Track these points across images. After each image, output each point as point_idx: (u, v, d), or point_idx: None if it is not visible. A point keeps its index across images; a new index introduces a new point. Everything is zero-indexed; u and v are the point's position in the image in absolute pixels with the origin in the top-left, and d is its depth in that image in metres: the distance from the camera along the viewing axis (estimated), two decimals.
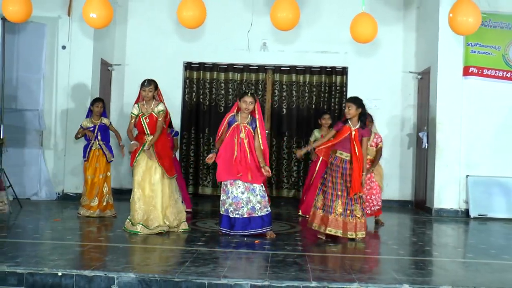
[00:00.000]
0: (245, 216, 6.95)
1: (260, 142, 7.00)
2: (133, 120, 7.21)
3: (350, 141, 6.86)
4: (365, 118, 6.95)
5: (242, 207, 6.95)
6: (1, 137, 9.12)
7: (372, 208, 8.39)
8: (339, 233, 6.87)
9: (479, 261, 6.07)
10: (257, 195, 6.97)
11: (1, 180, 8.57)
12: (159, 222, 7.04)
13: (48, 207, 9.27)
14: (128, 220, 7.19)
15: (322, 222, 6.96)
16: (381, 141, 8.42)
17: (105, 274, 4.93)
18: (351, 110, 6.87)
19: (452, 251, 6.90)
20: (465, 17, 6.89)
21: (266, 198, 7.06)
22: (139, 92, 7.21)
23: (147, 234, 6.90)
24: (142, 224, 6.99)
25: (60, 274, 4.94)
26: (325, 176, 7.05)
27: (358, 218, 6.89)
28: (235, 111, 7.10)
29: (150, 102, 7.18)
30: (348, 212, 6.87)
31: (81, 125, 8.43)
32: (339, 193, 6.88)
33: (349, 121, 6.91)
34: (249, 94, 7.01)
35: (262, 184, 7.05)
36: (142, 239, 6.66)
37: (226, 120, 7.09)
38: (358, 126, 6.89)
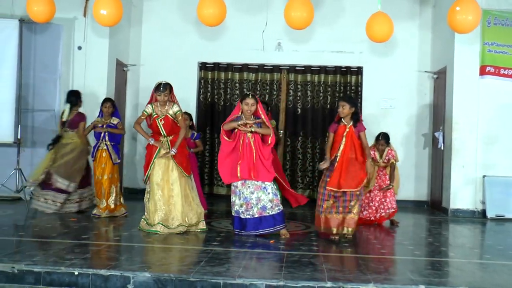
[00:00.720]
0: (256, 216, 6.97)
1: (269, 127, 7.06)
2: (144, 117, 7.28)
3: (342, 138, 6.96)
4: (357, 117, 7.04)
5: (253, 207, 6.97)
6: (19, 138, 9.21)
7: (387, 211, 8.40)
8: (323, 230, 6.93)
9: (496, 262, 6.03)
10: (269, 193, 6.97)
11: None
12: (179, 221, 7.08)
13: None
14: (143, 219, 7.22)
15: (317, 222, 7.03)
16: (393, 157, 8.46)
17: (121, 274, 4.96)
18: (345, 109, 6.97)
19: (469, 252, 6.85)
20: (465, 15, 6.88)
21: (279, 196, 7.06)
22: (152, 93, 7.24)
23: (167, 234, 6.93)
24: (162, 224, 7.01)
25: (76, 273, 4.98)
26: (324, 178, 7.05)
27: (347, 214, 6.87)
28: (239, 112, 7.12)
29: (164, 104, 7.22)
30: (335, 209, 6.87)
31: (92, 123, 8.54)
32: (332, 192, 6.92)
33: (342, 119, 7.00)
34: (250, 96, 7.01)
35: (273, 182, 7.05)
36: (157, 239, 6.68)
37: (231, 119, 7.10)
38: (351, 123, 6.98)
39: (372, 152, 8.40)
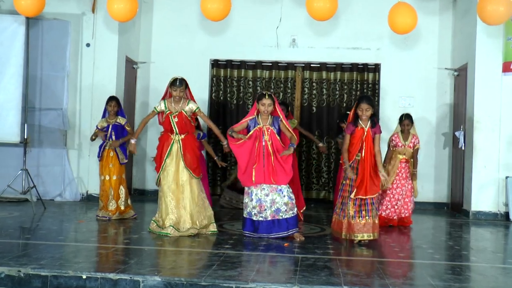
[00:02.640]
0: (269, 218, 6.96)
1: (292, 133, 7.06)
2: (153, 115, 7.30)
3: (361, 141, 6.89)
4: (375, 118, 7.00)
5: (266, 209, 6.96)
6: (25, 137, 9.25)
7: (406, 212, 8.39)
8: (344, 236, 6.89)
9: None
10: (284, 196, 6.97)
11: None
12: (190, 224, 7.07)
13: (72, 208, 9.36)
14: (153, 221, 7.23)
15: (338, 227, 7.01)
16: (418, 142, 8.51)
17: (130, 278, 4.96)
18: (369, 111, 6.88)
19: (491, 256, 6.79)
20: (496, 5, 6.80)
21: (294, 200, 7.05)
22: (167, 89, 7.22)
23: (177, 237, 6.94)
24: (173, 227, 7.01)
25: (84, 277, 4.99)
26: (344, 181, 7.02)
27: (367, 218, 6.84)
28: (255, 113, 7.10)
29: (179, 101, 7.19)
30: (358, 213, 6.84)
31: (96, 126, 8.47)
32: (351, 195, 6.88)
33: (360, 121, 6.91)
34: (266, 96, 6.98)
35: (288, 185, 7.04)
36: (167, 242, 6.69)
37: (246, 121, 7.09)
38: (369, 125, 6.91)
39: (394, 137, 8.44)
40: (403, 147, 8.40)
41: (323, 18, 7.31)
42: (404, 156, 8.40)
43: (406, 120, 8.45)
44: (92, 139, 8.56)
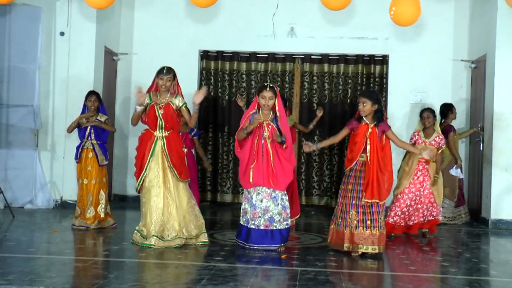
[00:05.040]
0: (261, 228, 6.97)
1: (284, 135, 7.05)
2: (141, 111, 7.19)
3: (365, 139, 6.92)
4: (381, 115, 6.97)
5: (259, 217, 6.97)
6: None
7: (425, 218, 8.36)
8: (346, 248, 6.87)
9: None
10: (278, 204, 6.98)
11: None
12: (176, 232, 7.03)
13: (44, 216, 9.35)
14: (136, 231, 7.19)
15: (338, 238, 6.97)
16: (443, 143, 8.49)
17: None
18: (366, 106, 6.88)
19: None
20: None
21: (288, 209, 7.04)
22: (154, 81, 7.19)
23: (162, 247, 6.91)
24: (157, 236, 6.97)
25: None
26: (343, 186, 7.02)
27: (372, 229, 6.81)
28: (256, 108, 7.11)
29: (165, 93, 7.15)
30: (362, 223, 6.82)
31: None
32: (354, 201, 6.87)
33: (364, 118, 6.93)
34: (267, 88, 6.99)
35: (285, 193, 7.04)
36: (152, 254, 6.67)
37: (246, 117, 7.09)
38: (374, 123, 6.93)
39: (414, 135, 8.48)
40: (423, 144, 8.36)
41: (338, 7, 7.33)
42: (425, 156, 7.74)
43: (426, 112, 8.45)
44: (70, 131, 8.46)
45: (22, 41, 10.09)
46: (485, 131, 10.02)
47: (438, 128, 8.56)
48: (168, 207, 7.09)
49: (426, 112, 8.47)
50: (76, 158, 8.35)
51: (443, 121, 9.70)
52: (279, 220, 6.97)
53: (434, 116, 8.49)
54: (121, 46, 11.42)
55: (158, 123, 7.12)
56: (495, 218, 9.63)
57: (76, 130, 8.44)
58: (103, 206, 8.29)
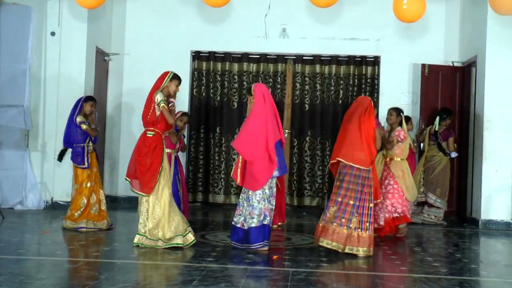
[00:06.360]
0: (238, 226, 7.06)
1: None
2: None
3: None
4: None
5: (240, 214, 7.07)
6: None
7: (390, 215, 8.36)
8: (338, 248, 6.88)
9: None
10: (250, 205, 7.01)
11: None
12: (161, 233, 7.00)
13: (35, 217, 9.32)
14: (142, 236, 7.05)
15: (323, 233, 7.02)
16: (398, 136, 8.43)
17: None
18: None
19: (503, 270, 6.84)
20: None
21: (257, 209, 6.95)
22: (164, 81, 7.08)
23: (163, 248, 6.87)
24: (162, 240, 6.94)
25: None
26: (338, 184, 7.05)
27: (361, 230, 6.85)
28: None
29: (172, 97, 7.16)
30: (358, 224, 6.86)
31: (81, 122, 8.21)
32: (358, 203, 6.92)
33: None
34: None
35: (256, 194, 6.99)
36: (143, 255, 6.66)
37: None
38: None
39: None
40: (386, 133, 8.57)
41: (324, 4, 7.34)
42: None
43: (389, 110, 8.68)
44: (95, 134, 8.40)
45: (12, 41, 10.05)
46: (475, 132, 10.06)
47: (404, 126, 8.59)
48: (159, 208, 7.06)
49: (390, 110, 8.66)
50: (83, 163, 8.15)
51: (441, 124, 9.89)
52: (249, 219, 7.00)
53: (398, 115, 8.53)
54: (113, 46, 11.39)
55: (167, 127, 7.16)
56: (485, 218, 9.67)
57: (76, 132, 8.23)
58: (104, 204, 8.29)
